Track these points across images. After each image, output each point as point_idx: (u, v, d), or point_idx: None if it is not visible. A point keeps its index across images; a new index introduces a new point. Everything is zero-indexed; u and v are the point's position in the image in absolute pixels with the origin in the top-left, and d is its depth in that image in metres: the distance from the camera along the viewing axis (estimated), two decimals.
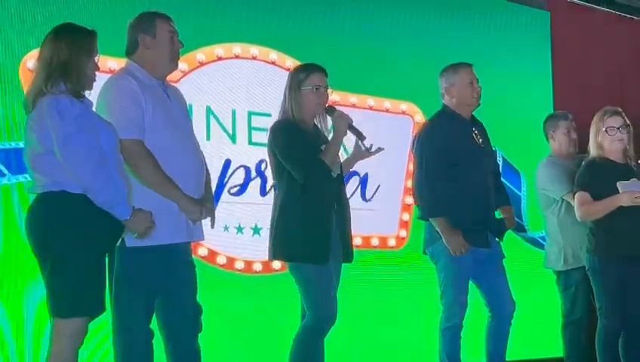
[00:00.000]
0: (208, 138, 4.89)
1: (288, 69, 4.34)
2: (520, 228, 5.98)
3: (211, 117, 4.94)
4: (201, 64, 4.93)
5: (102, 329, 3.59)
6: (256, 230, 4.99)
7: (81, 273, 2.99)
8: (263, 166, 4.98)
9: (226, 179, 4.97)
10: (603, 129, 4.51)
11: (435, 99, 4.47)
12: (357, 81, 5.50)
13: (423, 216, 4.23)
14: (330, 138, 3.94)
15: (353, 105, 5.45)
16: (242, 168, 5.03)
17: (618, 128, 4.50)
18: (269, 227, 3.92)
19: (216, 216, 3.56)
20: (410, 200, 5.66)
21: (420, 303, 5.42)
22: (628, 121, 4.56)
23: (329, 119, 3.95)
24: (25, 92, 3.32)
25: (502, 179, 4.81)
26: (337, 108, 4.03)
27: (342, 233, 3.89)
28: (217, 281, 4.75)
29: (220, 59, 5.03)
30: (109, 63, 4.31)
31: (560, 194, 4.79)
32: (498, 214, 4.38)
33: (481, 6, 6.32)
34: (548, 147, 5.07)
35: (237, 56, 5.10)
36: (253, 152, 5.04)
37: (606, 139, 4.50)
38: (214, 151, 4.88)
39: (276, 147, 3.84)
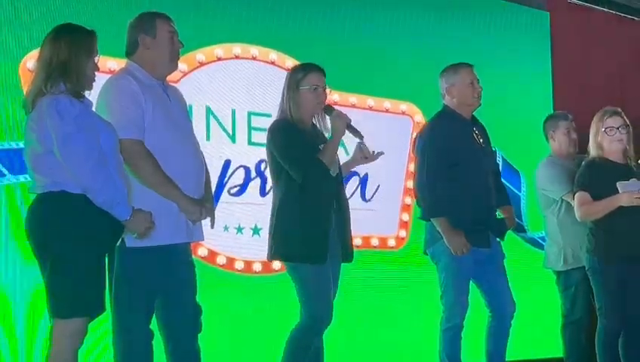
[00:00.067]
0: (208, 138, 4.89)
1: (288, 69, 4.34)
2: (520, 229, 5.98)
3: (211, 117, 4.94)
4: (201, 64, 4.93)
5: (99, 328, 3.59)
6: (255, 230, 4.99)
7: (81, 273, 3.00)
8: (262, 166, 4.98)
9: (226, 179, 4.97)
10: (602, 129, 4.51)
11: (435, 100, 4.47)
12: (357, 81, 5.50)
13: (424, 216, 4.23)
14: (328, 138, 3.94)
15: (353, 106, 5.45)
16: (242, 168, 5.03)
17: (617, 128, 4.50)
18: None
19: (215, 216, 3.56)
20: (409, 200, 5.66)
21: (420, 303, 5.42)
22: (627, 121, 4.56)
23: (327, 119, 3.95)
24: (24, 92, 3.32)
25: (502, 179, 4.81)
26: (335, 107, 4.03)
27: (341, 233, 3.89)
28: (217, 281, 4.75)
29: (219, 59, 5.03)
30: (109, 63, 4.31)
31: (560, 194, 4.79)
32: (498, 214, 4.39)
33: (481, 6, 6.32)
34: (548, 147, 5.07)
35: (237, 57, 5.10)
36: (253, 152, 5.04)
37: (605, 139, 4.50)
38: (214, 152, 4.87)
39: (274, 147, 3.84)
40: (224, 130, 5.00)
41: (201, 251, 4.76)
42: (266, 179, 5.00)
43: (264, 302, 4.89)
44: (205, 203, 3.47)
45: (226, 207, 4.91)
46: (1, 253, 4.22)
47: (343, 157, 4.39)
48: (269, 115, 4.88)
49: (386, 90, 5.66)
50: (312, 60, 4.03)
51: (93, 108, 3.26)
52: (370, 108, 5.59)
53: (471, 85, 4.28)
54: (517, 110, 6.16)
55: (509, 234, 4.46)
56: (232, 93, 5.05)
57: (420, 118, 5.75)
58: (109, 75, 3.58)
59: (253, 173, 5.06)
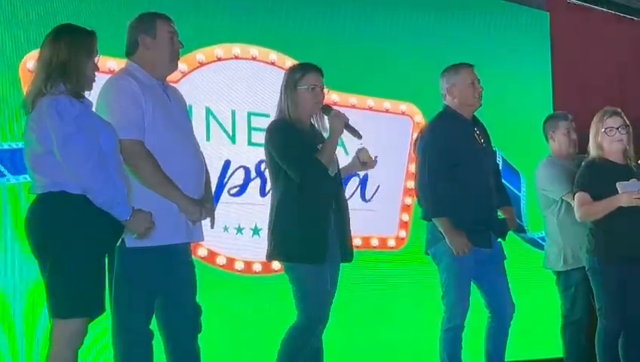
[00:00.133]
0: (208, 138, 4.89)
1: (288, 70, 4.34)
2: (520, 229, 5.97)
3: (211, 117, 4.94)
4: (201, 64, 4.93)
5: (99, 328, 3.59)
6: (255, 230, 4.99)
7: (80, 273, 2.99)
8: (262, 166, 4.97)
9: (226, 179, 4.97)
10: (602, 129, 4.51)
11: (435, 100, 4.47)
12: (357, 81, 5.50)
13: (426, 217, 4.23)
14: (327, 138, 3.93)
15: (353, 106, 5.45)
16: (242, 169, 5.03)
17: (617, 128, 4.50)
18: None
19: (215, 216, 3.56)
20: (409, 200, 5.66)
21: (420, 303, 5.42)
22: (627, 122, 4.56)
23: (326, 119, 3.94)
24: (24, 92, 3.32)
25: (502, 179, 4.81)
26: (334, 107, 4.03)
27: (340, 233, 3.88)
28: (217, 282, 4.75)
29: (219, 59, 5.03)
30: (109, 64, 4.31)
31: (560, 194, 4.79)
32: (499, 215, 4.38)
33: (481, 6, 6.32)
34: (547, 147, 5.07)
35: (237, 57, 5.10)
36: (252, 153, 5.04)
37: (605, 139, 4.50)
38: (214, 152, 4.87)
39: (272, 147, 3.83)
40: (224, 130, 5.00)
41: (201, 251, 4.76)
42: (265, 179, 5.00)
43: (264, 302, 4.89)
44: (205, 203, 3.46)
45: (226, 208, 4.91)
46: (2, 253, 4.22)
47: (342, 157, 4.40)
48: (268, 116, 4.86)
49: (385, 91, 5.66)
50: (312, 61, 4.03)
51: (93, 109, 3.26)
52: (370, 109, 5.59)
53: (472, 85, 4.28)
54: (517, 110, 6.16)
55: (509, 234, 4.46)
56: (232, 93, 5.05)
57: (420, 118, 5.75)
58: (109, 75, 3.58)
59: (253, 174, 5.06)
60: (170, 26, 3.52)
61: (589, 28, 6.87)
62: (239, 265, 4.95)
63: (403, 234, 5.66)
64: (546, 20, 6.66)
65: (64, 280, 2.99)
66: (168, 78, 3.63)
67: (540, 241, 5.94)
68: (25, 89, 3.73)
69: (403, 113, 5.77)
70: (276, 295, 4.76)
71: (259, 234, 4.94)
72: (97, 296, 3.07)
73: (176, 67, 3.63)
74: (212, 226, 3.56)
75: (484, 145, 4.33)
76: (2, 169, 4.25)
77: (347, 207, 3.99)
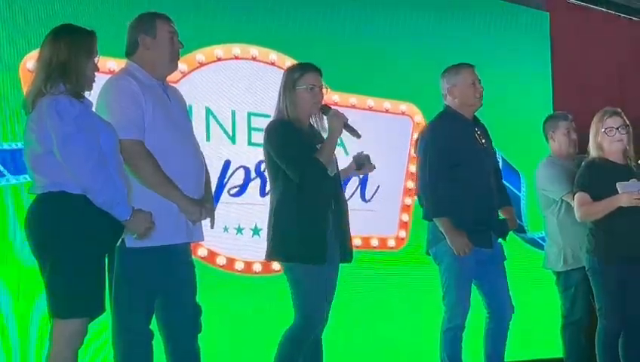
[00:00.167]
0: (208, 139, 4.89)
1: None
2: (519, 229, 5.97)
3: (211, 117, 4.94)
4: (201, 65, 4.93)
5: (102, 330, 3.59)
6: (255, 231, 4.99)
7: (80, 273, 2.99)
8: (262, 166, 4.96)
9: (226, 179, 4.97)
10: (602, 130, 4.51)
11: (435, 100, 4.47)
12: (357, 81, 5.50)
13: (427, 217, 4.23)
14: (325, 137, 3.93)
15: (353, 106, 5.45)
16: (242, 169, 5.03)
17: (617, 128, 4.50)
18: None
19: (215, 216, 3.56)
20: (409, 200, 5.66)
21: (420, 303, 5.42)
22: (627, 122, 4.56)
23: (325, 118, 3.93)
24: (24, 92, 3.32)
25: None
26: (333, 107, 4.03)
27: (339, 233, 3.87)
28: (217, 282, 4.75)
29: (219, 59, 5.03)
30: (109, 64, 4.31)
31: (560, 194, 4.79)
32: (500, 215, 4.38)
33: (481, 6, 6.32)
34: (547, 147, 5.07)
35: (236, 57, 5.10)
36: (252, 153, 5.03)
37: (605, 139, 4.50)
38: (214, 152, 4.87)
39: (271, 146, 3.83)
40: (224, 130, 5.00)
41: (201, 251, 4.76)
42: (265, 179, 4.99)
43: (264, 302, 4.88)
44: (205, 203, 3.46)
45: (226, 208, 4.91)
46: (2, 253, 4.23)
47: (342, 157, 4.40)
48: (269, 116, 4.83)
49: (385, 91, 5.66)
50: (312, 61, 4.03)
51: (93, 109, 3.26)
52: (370, 109, 5.59)
53: (472, 85, 4.29)
54: (517, 110, 6.16)
55: (510, 234, 4.46)
56: (231, 93, 5.05)
57: (420, 118, 5.75)
58: (108, 76, 3.58)
59: (253, 174, 5.06)
60: (170, 26, 3.52)
61: (589, 28, 6.87)
62: (239, 265, 4.95)
63: (403, 234, 5.66)
64: (546, 20, 6.66)
65: (64, 280, 2.99)
66: (168, 78, 3.63)
67: (539, 241, 5.94)
68: (25, 89, 3.73)
69: (403, 113, 5.77)
70: (276, 295, 4.75)
71: (259, 235, 4.94)
72: (97, 296, 3.07)
73: (176, 67, 3.62)
74: (212, 226, 3.56)
75: (484, 145, 4.33)
76: (2, 169, 4.25)
77: (346, 207, 3.99)
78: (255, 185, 5.06)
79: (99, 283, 3.07)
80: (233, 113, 5.04)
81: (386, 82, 5.65)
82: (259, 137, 4.86)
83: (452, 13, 6.10)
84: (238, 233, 4.97)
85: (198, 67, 4.91)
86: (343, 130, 3.93)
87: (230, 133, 5.02)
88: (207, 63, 4.97)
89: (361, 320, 5.26)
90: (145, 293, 3.34)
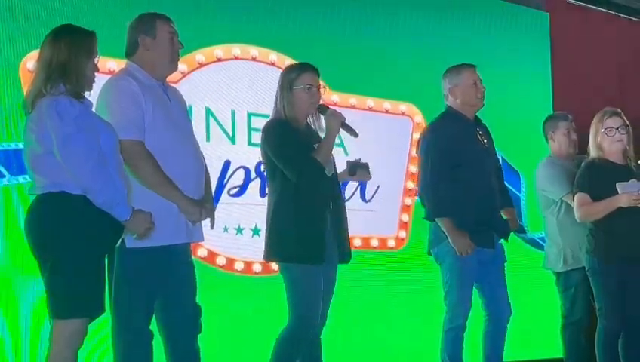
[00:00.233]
0: (208, 139, 4.89)
1: None
2: (519, 229, 5.97)
3: (211, 118, 4.94)
4: (201, 65, 4.93)
5: (101, 330, 3.59)
6: (255, 231, 4.99)
7: (80, 274, 2.99)
8: (262, 167, 4.96)
9: (226, 180, 4.97)
10: (602, 130, 4.50)
11: (435, 100, 4.47)
12: (356, 81, 5.50)
13: (429, 217, 4.22)
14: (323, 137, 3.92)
15: (353, 106, 5.46)
16: (242, 169, 5.03)
17: (617, 129, 4.50)
18: None
19: (215, 217, 3.56)
20: (409, 201, 5.66)
21: (420, 304, 5.43)
22: (627, 122, 4.56)
23: (322, 118, 3.92)
24: (24, 93, 3.32)
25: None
26: (330, 107, 4.02)
27: (337, 233, 3.86)
28: (217, 282, 4.75)
29: (219, 60, 5.03)
30: (109, 64, 4.31)
31: (559, 195, 4.79)
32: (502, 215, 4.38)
33: (481, 7, 6.32)
34: (547, 148, 5.07)
35: (236, 57, 5.10)
36: (252, 153, 5.03)
37: (605, 140, 4.50)
38: (214, 152, 4.87)
39: (269, 146, 3.82)
40: (224, 130, 5.00)
41: (201, 252, 4.76)
42: (265, 179, 5.00)
43: (264, 302, 4.88)
44: (205, 203, 3.46)
45: (226, 208, 4.91)
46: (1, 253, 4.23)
47: (342, 157, 4.39)
48: (268, 116, 4.86)
49: (385, 91, 5.66)
50: (312, 61, 4.02)
51: (93, 109, 3.26)
52: (370, 109, 5.59)
53: (474, 86, 4.29)
54: (517, 110, 6.16)
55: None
56: (231, 93, 5.05)
57: (420, 118, 5.75)
58: (108, 76, 3.58)
59: (252, 174, 5.06)
60: (170, 27, 3.52)
61: (589, 28, 6.87)
62: (239, 266, 4.95)
63: (403, 234, 5.66)
64: (546, 20, 6.66)
65: (64, 281, 2.99)
66: (168, 79, 3.63)
67: (539, 242, 5.94)
68: (24, 89, 3.73)
69: (403, 113, 5.77)
70: (276, 295, 4.72)
71: (259, 235, 4.94)
72: (97, 297, 3.07)
73: (176, 67, 3.62)
74: (212, 227, 3.56)
75: (486, 145, 4.33)
76: (2, 169, 4.25)
77: (344, 207, 3.97)
78: (255, 185, 5.06)
79: (99, 284, 3.07)
80: (233, 113, 5.04)
81: (385, 82, 5.65)
82: (259, 137, 4.85)
83: (452, 13, 6.10)
84: (237, 233, 4.97)
85: (198, 67, 4.92)
86: (342, 130, 3.93)
87: (230, 134, 5.02)
88: (207, 64, 4.97)
89: (360, 321, 5.26)
90: (145, 294, 3.34)
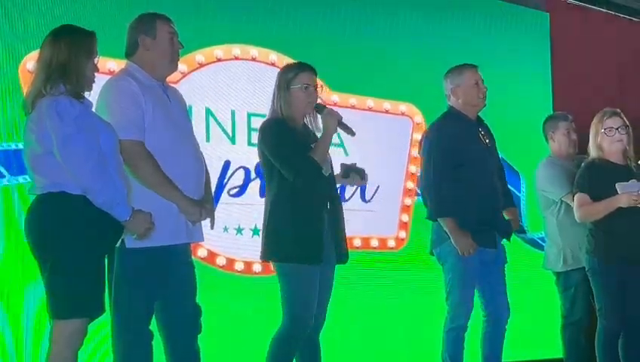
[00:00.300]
0: (208, 139, 4.89)
1: None
2: (520, 230, 5.97)
3: (211, 118, 4.94)
4: (201, 65, 4.93)
5: (101, 330, 3.59)
6: (255, 231, 4.99)
7: (80, 274, 2.99)
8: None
9: (226, 180, 4.97)
10: (602, 130, 4.50)
11: (435, 100, 4.47)
12: (356, 81, 5.50)
13: (431, 217, 4.22)
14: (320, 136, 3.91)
15: (352, 106, 5.46)
16: (242, 169, 5.03)
17: (617, 129, 4.50)
18: None
19: (215, 217, 3.56)
20: (409, 201, 5.66)
21: (420, 304, 5.43)
22: (627, 122, 4.56)
23: (319, 118, 3.91)
24: (24, 93, 3.32)
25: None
26: (327, 106, 4.01)
27: (335, 233, 3.85)
28: (217, 282, 4.75)
29: (219, 60, 5.03)
30: (109, 64, 4.31)
31: (559, 195, 4.79)
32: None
33: (481, 7, 6.32)
34: (547, 148, 5.07)
35: (236, 58, 5.10)
36: (252, 153, 4.98)
37: (605, 140, 4.50)
38: (214, 153, 4.87)
39: (265, 145, 3.81)
40: (224, 131, 5.00)
41: (201, 252, 4.76)
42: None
43: (264, 302, 4.87)
44: (205, 204, 3.46)
45: (226, 208, 4.91)
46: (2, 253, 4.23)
47: (342, 157, 4.39)
48: None
49: (385, 91, 5.66)
50: (312, 61, 4.02)
51: (93, 109, 3.26)
52: (370, 109, 5.59)
53: (476, 86, 4.29)
54: (517, 110, 6.16)
55: None
56: (231, 94, 5.05)
57: (420, 118, 5.75)
58: (108, 76, 3.58)
59: (252, 174, 5.06)
60: (170, 27, 3.52)
61: (589, 28, 6.87)
62: (239, 266, 4.95)
63: (403, 234, 5.66)
64: (546, 20, 6.66)
65: (64, 281, 2.99)
66: (168, 79, 3.63)
67: (539, 242, 5.94)
68: (24, 90, 3.73)
69: (403, 114, 5.77)
70: (276, 295, 4.73)
71: (258, 235, 4.88)
72: (97, 297, 3.07)
73: (176, 68, 3.62)
74: (212, 227, 3.56)
75: (488, 145, 4.33)
76: (2, 169, 4.25)
77: (341, 207, 3.96)
78: (255, 185, 5.06)
79: (98, 284, 3.08)
80: (233, 113, 5.04)
81: (385, 82, 5.65)
82: None
83: (452, 14, 6.10)
84: (237, 233, 4.97)
85: (197, 67, 4.92)
86: (343, 131, 3.92)
87: (230, 134, 5.02)
88: (207, 64, 4.97)
89: (360, 321, 5.26)
90: (145, 294, 3.33)
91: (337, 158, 4.05)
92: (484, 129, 4.37)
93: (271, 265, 4.71)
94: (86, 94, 3.18)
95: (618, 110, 4.57)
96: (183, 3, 4.75)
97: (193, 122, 3.94)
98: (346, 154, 4.95)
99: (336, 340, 4.69)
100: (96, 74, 3.21)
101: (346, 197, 5.25)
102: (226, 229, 4.90)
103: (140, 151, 3.31)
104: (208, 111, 4.93)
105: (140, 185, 3.30)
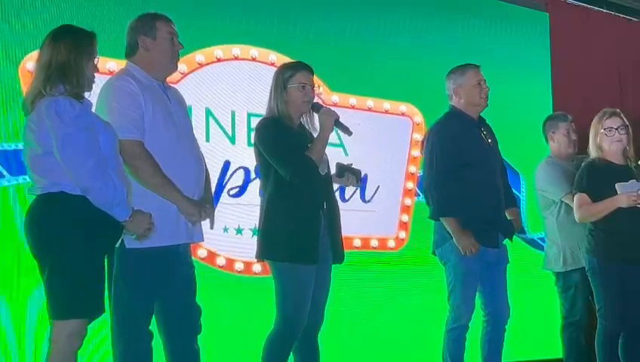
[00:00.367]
0: (208, 139, 4.89)
1: None
2: (520, 230, 5.97)
3: (210, 118, 4.94)
4: (201, 65, 4.93)
5: (101, 330, 3.59)
6: (255, 231, 4.94)
7: (80, 274, 2.99)
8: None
9: (226, 180, 4.97)
10: (601, 130, 4.51)
11: (435, 100, 4.48)
12: (356, 82, 5.50)
13: (433, 216, 4.22)
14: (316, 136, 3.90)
15: (352, 107, 5.45)
16: (241, 169, 5.03)
17: (616, 129, 4.50)
18: None
19: (215, 217, 3.55)
20: (409, 201, 5.66)
21: (420, 304, 5.42)
22: (626, 122, 4.56)
23: (316, 118, 3.90)
24: (24, 93, 3.32)
25: None
26: (324, 105, 4.01)
27: (331, 233, 3.84)
28: (217, 283, 4.75)
29: (219, 60, 5.03)
30: (109, 65, 4.31)
31: (559, 195, 4.79)
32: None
33: (481, 7, 6.32)
34: (547, 148, 5.07)
35: (236, 58, 5.10)
36: (252, 153, 4.98)
37: (605, 140, 4.50)
38: (214, 153, 4.87)
39: (262, 144, 3.80)
40: (224, 131, 5.00)
41: (201, 252, 4.75)
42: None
43: (264, 302, 4.85)
44: (205, 204, 3.46)
45: (226, 208, 4.90)
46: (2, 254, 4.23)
47: (342, 158, 4.39)
48: None
49: (385, 91, 5.66)
50: (312, 61, 4.03)
51: (93, 110, 3.26)
52: (370, 110, 5.59)
53: (478, 86, 4.29)
54: (517, 110, 6.16)
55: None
56: (231, 94, 5.05)
57: (420, 119, 5.75)
58: (108, 76, 3.58)
59: (252, 174, 5.05)
60: (171, 27, 3.51)
61: (589, 28, 6.87)
62: (239, 266, 4.95)
63: (403, 235, 5.66)
64: (546, 21, 6.66)
65: (63, 281, 2.99)
66: (168, 79, 3.63)
67: (539, 242, 5.94)
68: (24, 90, 3.73)
69: (403, 114, 5.76)
70: None
71: None
72: (97, 297, 3.07)
73: (176, 68, 3.63)
74: (211, 227, 3.56)
75: (491, 144, 4.33)
76: (2, 170, 4.25)
77: (337, 206, 3.95)
78: (255, 185, 5.03)
79: (98, 284, 3.07)
80: (233, 114, 5.04)
81: (385, 82, 5.65)
82: None
83: (452, 14, 6.10)
84: (237, 234, 4.97)
85: (197, 68, 4.91)
86: (340, 130, 3.92)
87: (230, 134, 5.02)
88: (207, 64, 4.97)
89: (360, 321, 5.26)
90: (144, 294, 3.34)
91: (337, 158, 4.04)
92: (486, 129, 4.37)
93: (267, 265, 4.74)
94: (86, 94, 3.18)
95: (617, 110, 4.57)
96: (183, 3, 4.76)
97: (193, 122, 3.94)
98: (346, 154, 4.95)
99: (336, 340, 4.69)
100: (96, 74, 3.20)
101: (346, 197, 5.25)
102: (225, 229, 4.90)
103: (140, 151, 3.31)
104: (208, 112, 4.93)
105: (140, 185, 3.30)
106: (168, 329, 3.41)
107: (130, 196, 3.16)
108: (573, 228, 4.67)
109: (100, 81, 3.32)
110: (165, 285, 3.37)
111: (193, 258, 3.67)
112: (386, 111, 5.68)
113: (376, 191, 5.53)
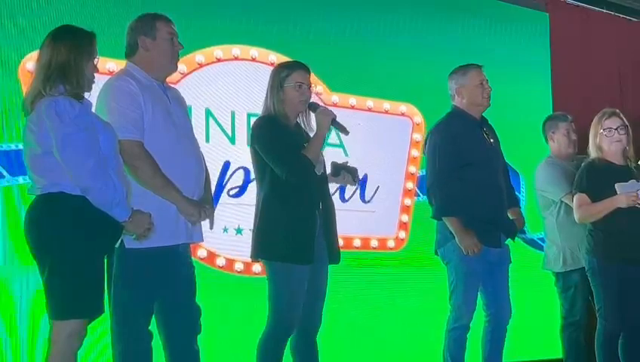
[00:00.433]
0: (207, 139, 4.89)
1: None
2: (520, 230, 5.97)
3: (210, 118, 4.94)
4: (201, 65, 4.93)
5: (101, 331, 3.59)
6: None
7: (79, 275, 2.99)
8: None
9: (226, 180, 4.97)
10: (601, 130, 4.51)
11: (435, 101, 4.48)
12: (356, 82, 5.50)
13: (436, 216, 4.22)
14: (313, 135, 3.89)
15: (352, 107, 5.46)
16: (241, 169, 5.03)
17: (616, 129, 4.50)
18: None
19: (215, 217, 3.55)
20: (409, 201, 5.66)
21: (420, 304, 5.42)
22: (626, 122, 4.56)
23: (312, 117, 3.89)
24: (24, 94, 3.32)
25: None
26: (321, 104, 4.00)
27: (327, 234, 3.83)
28: (216, 283, 4.75)
29: (219, 60, 5.03)
30: (109, 65, 4.31)
31: (559, 195, 4.79)
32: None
33: (481, 7, 6.32)
34: (547, 148, 5.07)
35: (236, 58, 5.10)
36: None
37: (604, 140, 4.50)
38: (213, 153, 4.87)
39: (258, 143, 3.79)
40: (223, 131, 5.00)
41: (201, 252, 4.76)
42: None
43: (263, 303, 4.86)
44: (204, 204, 3.46)
45: (226, 209, 4.91)
46: (1, 254, 4.23)
47: (342, 158, 4.39)
48: None
49: (385, 91, 5.66)
50: (312, 61, 4.03)
51: (93, 110, 3.26)
52: (370, 110, 5.59)
53: (480, 85, 4.29)
54: (517, 110, 6.16)
55: None
56: (231, 94, 5.05)
57: (420, 119, 5.75)
58: (108, 76, 3.58)
59: (252, 175, 5.01)
60: (170, 27, 3.51)
61: (589, 28, 6.87)
62: (239, 266, 4.95)
63: (402, 235, 5.66)
64: (546, 21, 6.66)
65: (63, 282, 2.99)
66: (168, 79, 3.62)
67: (539, 242, 5.94)
68: (24, 90, 3.73)
69: (402, 114, 5.76)
70: None
71: None
72: (96, 297, 3.07)
73: (175, 68, 3.62)
74: (211, 227, 3.56)
75: (493, 144, 4.33)
76: (2, 170, 4.25)
77: (333, 207, 3.94)
78: (255, 186, 5.04)
79: (98, 285, 3.08)
80: (233, 114, 5.04)
81: (385, 83, 5.65)
82: None
83: (452, 14, 6.10)
84: (237, 234, 4.97)
85: (197, 68, 4.92)
86: (337, 130, 3.92)
87: (230, 134, 5.02)
88: (207, 64, 4.97)
89: (360, 321, 5.26)
90: (144, 294, 3.33)
91: (338, 159, 4.04)
92: (488, 129, 4.37)
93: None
94: (86, 94, 3.18)
95: (617, 110, 4.57)
96: (182, 3, 4.76)
97: (193, 122, 3.94)
98: (346, 154, 4.95)
99: (336, 341, 4.69)
100: (96, 74, 3.20)
101: (346, 198, 5.25)
102: (225, 230, 4.90)
103: (139, 151, 3.31)
104: (208, 112, 4.93)
105: (139, 185, 3.30)
106: (168, 330, 3.41)
107: (129, 196, 3.16)
108: (573, 229, 4.67)
109: (99, 81, 3.32)
110: (165, 285, 3.37)
111: (193, 258, 3.67)
112: (386, 112, 5.69)
113: (376, 192, 5.53)
